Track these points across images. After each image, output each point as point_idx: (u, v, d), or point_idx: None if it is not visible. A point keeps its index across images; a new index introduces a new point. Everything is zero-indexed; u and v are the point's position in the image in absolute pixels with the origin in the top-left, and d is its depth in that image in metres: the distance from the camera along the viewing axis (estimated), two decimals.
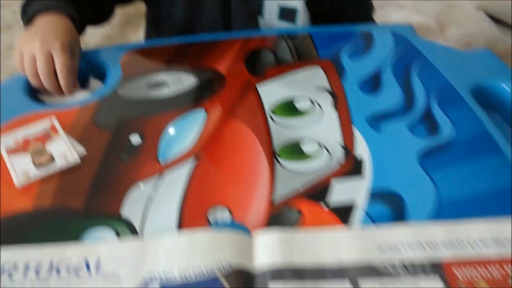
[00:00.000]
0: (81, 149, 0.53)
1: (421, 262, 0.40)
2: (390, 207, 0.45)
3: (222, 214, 0.46)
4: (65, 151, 0.52)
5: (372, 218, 0.44)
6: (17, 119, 0.57)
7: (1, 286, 0.39)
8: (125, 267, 0.41)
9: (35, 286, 0.39)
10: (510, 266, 0.39)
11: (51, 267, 0.41)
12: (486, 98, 0.57)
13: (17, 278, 0.40)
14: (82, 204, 0.47)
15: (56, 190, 0.49)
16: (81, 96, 0.62)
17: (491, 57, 0.63)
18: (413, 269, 0.40)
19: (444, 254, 0.40)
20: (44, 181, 0.50)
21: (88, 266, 0.41)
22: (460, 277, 0.39)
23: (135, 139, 0.54)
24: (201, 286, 0.38)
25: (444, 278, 0.39)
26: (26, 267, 0.40)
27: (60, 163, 0.51)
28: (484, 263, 0.40)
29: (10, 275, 0.40)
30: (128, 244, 0.43)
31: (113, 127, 0.56)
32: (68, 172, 0.51)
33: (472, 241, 0.41)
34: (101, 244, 0.43)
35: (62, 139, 0.54)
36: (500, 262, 0.39)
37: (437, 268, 0.39)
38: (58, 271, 0.40)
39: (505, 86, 0.57)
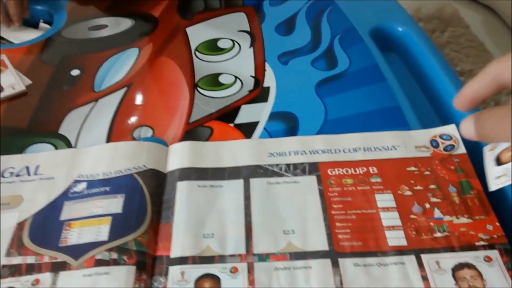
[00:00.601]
0: (27, 81, 0.61)
1: (303, 164, 0.49)
2: (286, 124, 0.54)
3: (145, 132, 0.54)
4: (12, 82, 0.60)
5: (269, 133, 0.53)
6: None
7: None
8: (59, 171, 0.49)
9: None
10: (374, 167, 0.49)
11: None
12: (384, 39, 0.66)
13: None
14: (26, 125, 0.56)
15: (4, 113, 0.57)
16: (30, 36, 0.69)
17: (394, 3, 0.71)
18: (295, 169, 0.49)
19: (322, 159, 0.50)
20: None
21: (28, 171, 0.50)
22: (331, 174, 0.48)
23: (75, 72, 0.62)
24: (119, 181, 0.47)
25: (319, 176, 0.48)
26: None
27: (8, 91, 0.59)
28: (352, 164, 0.49)
29: None
30: (62, 153, 0.52)
31: (57, 63, 0.64)
32: (15, 99, 0.59)
33: (346, 148, 0.50)
34: (40, 154, 0.52)
35: (10, 72, 0.61)
36: (364, 163, 0.49)
37: (315, 169, 0.49)
38: (3, 175, 0.49)
39: (399, 28, 0.66)
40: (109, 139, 0.54)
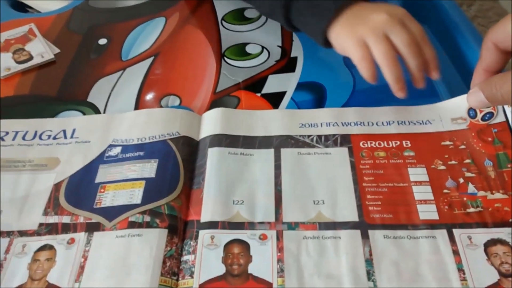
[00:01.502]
0: (56, 49, 0.61)
1: (335, 136, 0.49)
2: (313, 95, 0.54)
3: (173, 101, 0.55)
4: (41, 50, 0.60)
5: (297, 103, 0.53)
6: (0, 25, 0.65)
7: None
8: (95, 135, 0.50)
9: (22, 147, 0.49)
10: (407, 141, 0.48)
11: (35, 134, 0.50)
12: (415, 10, 0.64)
13: (7, 142, 0.49)
14: (55, 93, 0.56)
15: (33, 81, 0.57)
16: (57, 6, 0.69)
17: None
18: (327, 141, 0.49)
19: (354, 131, 0.49)
20: (23, 74, 0.58)
21: (65, 134, 0.50)
22: (364, 147, 0.48)
23: (102, 41, 0.62)
24: (153, 147, 0.47)
25: (351, 148, 0.48)
26: (15, 134, 0.50)
27: (37, 60, 0.59)
28: (385, 137, 0.48)
29: (2, 139, 0.49)
30: (98, 118, 0.52)
31: (84, 32, 0.64)
32: (44, 67, 0.59)
33: (379, 121, 0.50)
34: (76, 118, 0.52)
35: (39, 40, 0.62)
36: (398, 137, 0.48)
37: (347, 141, 0.48)
38: (40, 137, 0.50)
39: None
40: (137, 107, 0.54)
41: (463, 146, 0.47)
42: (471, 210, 0.42)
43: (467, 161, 0.45)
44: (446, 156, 0.46)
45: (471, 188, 0.44)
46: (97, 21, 0.66)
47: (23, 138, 0.49)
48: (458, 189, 0.44)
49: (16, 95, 0.56)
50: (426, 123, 0.49)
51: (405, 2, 0.64)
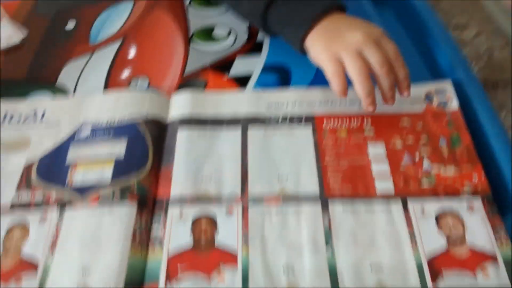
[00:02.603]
0: (25, 32, 0.61)
1: (299, 115, 0.51)
2: (279, 76, 0.56)
3: (142, 83, 0.56)
4: (9, 33, 0.61)
5: (263, 84, 0.55)
6: None
7: None
8: (64, 116, 0.51)
9: None
10: (369, 120, 0.51)
11: (5, 116, 0.51)
12: None
13: None
14: (24, 76, 0.57)
15: (1, 64, 0.58)
16: None
17: None
18: (292, 120, 0.51)
19: (318, 111, 0.52)
20: None
21: (35, 116, 0.51)
22: (327, 126, 0.50)
23: (70, 24, 0.63)
24: (122, 128, 0.49)
25: (314, 127, 0.50)
26: None
27: (5, 43, 0.60)
28: (347, 117, 0.51)
29: None
30: (68, 100, 0.53)
31: (52, 16, 0.64)
32: (12, 51, 0.60)
33: (343, 100, 0.52)
34: (46, 100, 0.53)
35: (6, 23, 0.62)
36: (359, 117, 0.51)
37: (311, 120, 0.51)
38: (10, 119, 0.51)
39: None
40: (106, 89, 0.55)
41: (419, 127, 0.50)
42: (425, 184, 0.45)
43: (423, 140, 0.48)
44: (404, 135, 0.49)
45: (426, 164, 0.47)
46: (65, 5, 0.66)
47: None
48: (414, 165, 0.47)
49: None
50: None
51: None
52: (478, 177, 0.45)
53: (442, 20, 0.61)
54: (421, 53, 0.60)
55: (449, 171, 0.46)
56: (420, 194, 0.44)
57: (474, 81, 0.54)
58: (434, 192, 0.44)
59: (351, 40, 0.48)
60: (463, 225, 0.42)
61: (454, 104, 0.51)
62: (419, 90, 0.52)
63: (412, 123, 0.50)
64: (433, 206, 0.43)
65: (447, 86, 0.53)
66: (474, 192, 0.44)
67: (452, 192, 0.44)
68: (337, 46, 0.49)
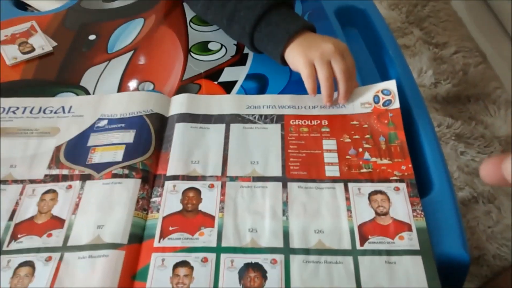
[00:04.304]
0: (53, 43, 0.75)
1: (272, 115, 0.64)
2: (258, 83, 0.69)
3: (148, 86, 0.69)
4: (42, 43, 0.74)
5: (245, 90, 0.68)
6: (6, 21, 0.79)
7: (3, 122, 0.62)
8: (87, 111, 0.65)
9: (30, 119, 0.63)
10: (326, 121, 0.63)
11: (40, 109, 0.65)
12: (348, 16, 0.80)
13: (18, 115, 0.64)
14: (54, 78, 0.70)
15: (36, 68, 0.72)
16: (53, 6, 0.83)
17: None
18: (265, 119, 0.64)
19: (287, 112, 0.65)
20: (27, 62, 0.72)
21: (64, 110, 0.65)
22: (293, 124, 0.63)
23: (92, 36, 0.76)
24: (132, 120, 0.62)
25: (283, 125, 0.63)
26: (24, 109, 0.65)
27: (39, 51, 0.73)
28: (309, 117, 0.64)
29: (14, 112, 0.64)
30: (89, 97, 0.67)
31: (77, 29, 0.78)
32: (44, 58, 0.73)
33: (307, 105, 0.65)
34: (72, 97, 0.67)
35: (39, 35, 0.75)
36: (319, 117, 0.64)
37: (280, 119, 0.64)
38: (44, 112, 0.64)
39: (360, 7, 0.80)
40: (119, 90, 0.68)
41: (366, 125, 0.62)
42: (364, 170, 0.57)
43: (367, 136, 0.61)
44: (352, 132, 0.62)
45: (366, 155, 0.59)
46: (88, 20, 0.80)
47: (31, 112, 0.64)
48: (357, 156, 0.59)
49: (22, 79, 0.70)
50: (341, 107, 0.65)
51: (339, 12, 0.79)
52: (406, 168, 0.57)
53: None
54: (376, 64, 0.73)
55: (384, 161, 0.58)
56: (358, 177, 0.57)
57: (414, 88, 0.67)
58: (370, 177, 0.57)
59: (325, 49, 0.62)
60: (389, 201, 0.54)
61: (396, 103, 0.63)
62: (369, 91, 0.65)
63: (360, 123, 0.62)
64: (367, 187, 0.56)
65: (392, 86, 0.65)
66: (401, 177, 0.56)
67: (384, 177, 0.57)
68: (312, 53, 0.62)
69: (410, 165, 0.57)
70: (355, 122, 0.63)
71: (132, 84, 0.69)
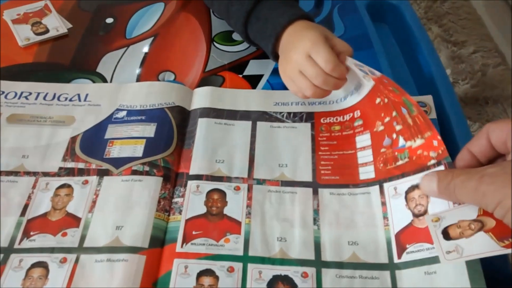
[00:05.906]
0: (68, 24, 0.71)
1: (301, 113, 0.60)
2: None
3: (169, 76, 0.65)
4: (56, 25, 0.70)
5: (271, 85, 0.64)
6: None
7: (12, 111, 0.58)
8: (104, 100, 0.61)
9: (43, 106, 0.59)
10: (358, 112, 0.59)
11: (54, 96, 0.61)
12: (378, 11, 0.76)
13: (31, 101, 0.60)
14: (68, 62, 0.66)
15: (50, 51, 0.67)
16: None
17: None
18: (294, 117, 0.60)
19: (317, 109, 0.61)
20: (41, 44, 0.68)
21: (79, 98, 0.61)
22: (323, 122, 0.59)
23: (109, 20, 0.72)
24: (152, 113, 0.58)
25: (313, 123, 0.59)
26: (37, 94, 0.60)
27: (53, 33, 0.69)
28: (341, 112, 0.60)
29: (26, 98, 0.60)
30: (107, 86, 0.63)
31: (93, 10, 0.74)
32: (59, 40, 0.69)
33: (338, 99, 0.61)
34: (89, 85, 0.63)
35: (54, 15, 0.71)
36: (351, 109, 0.59)
37: (310, 117, 0.60)
38: (59, 98, 0.60)
39: (392, 2, 0.75)
40: (138, 80, 0.64)
41: (386, 100, 0.55)
42: (400, 162, 0.52)
43: (394, 114, 0.53)
44: (382, 114, 0.55)
45: (401, 142, 0.52)
46: (104, 2, 0.76)
47: (44, 98, 0.60)
48: (392, 145, 0.54)
49: (34, 62, 0.66)
50: (363, 87, 0.58)
51: (371, 4, 0.75)
52: (437, 141, 0.48)
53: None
54: (409, 67, 0.69)
55: (418, 143, 0.50)
56: (394, 173, 0.51)
57: (451, 93, 0.63)
58: (406, 169, 0.50)
59: (295, 62, 0.56)
60: (427, 196, 0.47)
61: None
62: None
63: (381, 98, 0.55)
64: (403, 184, 0.50)
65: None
66: (438, 159, 0.48)
67: (421, 164, 0.49)
68: (289, 70, 0.57)
69: (439, 137, 0.48)
70: (378, 100, 0.56)
71: (152, 73, 0.65)
